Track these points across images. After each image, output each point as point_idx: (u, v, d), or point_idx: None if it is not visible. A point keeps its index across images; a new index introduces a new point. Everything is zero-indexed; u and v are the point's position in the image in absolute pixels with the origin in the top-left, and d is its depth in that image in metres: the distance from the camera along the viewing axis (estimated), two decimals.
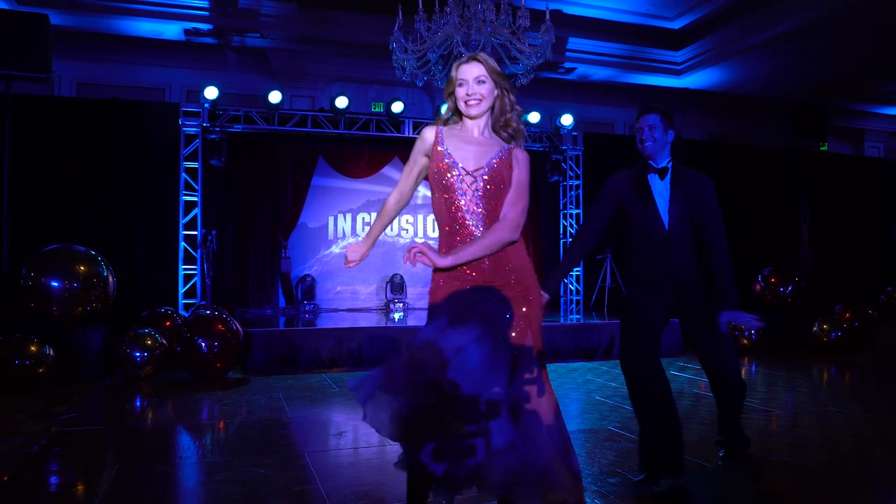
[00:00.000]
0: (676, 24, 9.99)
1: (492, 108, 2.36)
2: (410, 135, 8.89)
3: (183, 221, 7.92)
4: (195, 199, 7.96)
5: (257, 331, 6.23)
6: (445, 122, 2.42)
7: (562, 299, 9.66)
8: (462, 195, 2.30)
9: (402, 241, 9.72)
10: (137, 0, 8.15)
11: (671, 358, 6.95)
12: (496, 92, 2.34)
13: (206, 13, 8.49)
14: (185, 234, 7.91)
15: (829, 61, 10.21)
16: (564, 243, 9.74)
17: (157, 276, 7.85)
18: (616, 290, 9.32)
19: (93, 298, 5.57)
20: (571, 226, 9.68)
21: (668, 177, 3.13)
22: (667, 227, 3.09)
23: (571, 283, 9.61)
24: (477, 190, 2.29)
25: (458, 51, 6.86)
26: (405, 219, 9.85)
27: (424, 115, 9.50)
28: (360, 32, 8.89)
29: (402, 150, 9.50)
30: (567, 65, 10.33)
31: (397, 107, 8.56)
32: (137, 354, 5.56)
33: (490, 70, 2.34)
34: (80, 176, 7.61)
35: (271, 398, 5.00)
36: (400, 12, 6.96)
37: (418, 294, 9.47)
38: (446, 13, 6.75)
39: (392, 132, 8.79)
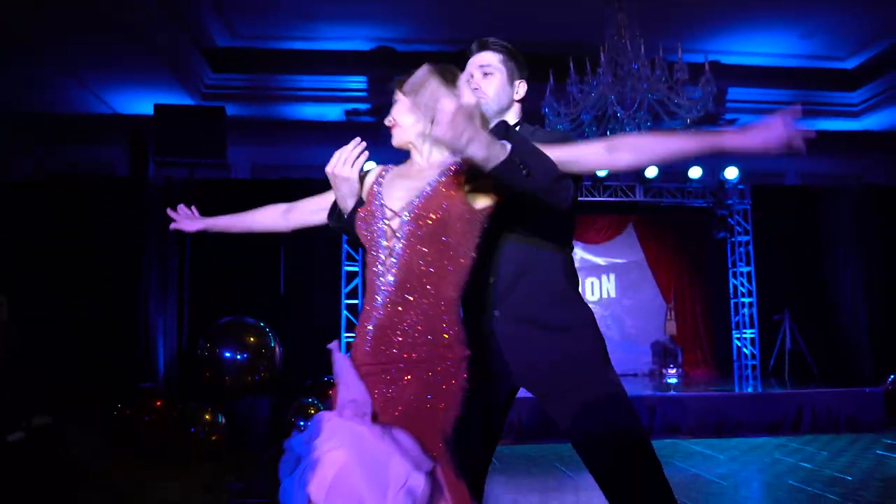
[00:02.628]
0: (850, 64, 9.21)
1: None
2: None
3: (345, 291, 8.19)
4: (356, 269, 8.23)
5: None
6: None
7: (735, 364, 8.88)
8: (380, 249, 1.74)
9: None
10: (303, 88, 8.75)
11: (873, 434, 6.09)
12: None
13: (365, 94, 8.95)
14: (347, 304, 8.16)
15: None
16: (735, 303, 9.02)
17: (321, 344, 8.09)
18: (798, 353, 8.45)
19: (261, 368, 5.77)
20: (742, 284, 8.97)
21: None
22: None
23: (746, 346, 8.83)
24: (397, 238, 1.70)
25: (614, 110, 6.68)
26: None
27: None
28: None
29: None
30: (728, 116, 9.79)
31: None
32: (302, 424, 5.67)
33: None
34: (252, 252, 8.11)
35: None
36: (551, 77, 6.92)
37: None
38: (599, 74, 6.62)
39: None
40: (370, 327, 1.70)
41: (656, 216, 9.49)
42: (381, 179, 1.88)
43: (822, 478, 4.48)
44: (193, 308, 7.19)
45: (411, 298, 1.67)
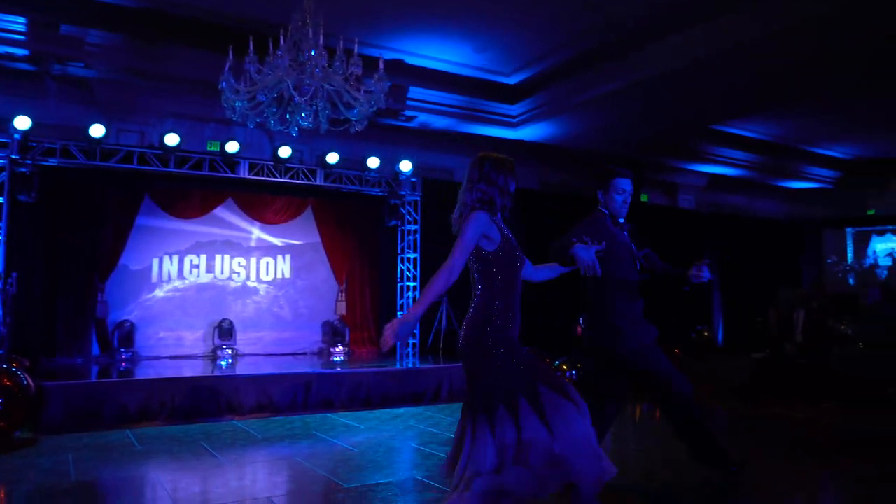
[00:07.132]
0: (512, 80, 10.49)
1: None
2: (246, 175, 8.66)
3: None
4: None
5: (53, 384, 5.68)
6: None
7: (397, 343, 9.64)
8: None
9: (232, 284, 9.38)
10: None
11: None
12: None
13: (23, 37, 7.91)
14: None
15: (647, 120, 11.10)
16: (401, 287, 9.81)
17: None
18: (452, 333, 9.50)
19: None
20: (408, 269, 9.78)
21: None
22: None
23: None
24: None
25: (290, 94, 6.80)
26: (237, 261, 9.53)
27: (263, 155, 9.30)
28: (193, 69, 8.59)
29: (236, 190, 9.22)
30: (408, 112, 10.54)
31: (232, 146, 8.36)
32: None
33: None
34: None
35: (58, 461, 4.57)
36: (231, 52, 6.83)
37: (249, 339, 9.15)
38: (278, 56, 6.68)
39: (227, 172, 8.54)
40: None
41: (335, 201, 9.87)
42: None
43: (440, 439, 5.16)
44: None
45: None
